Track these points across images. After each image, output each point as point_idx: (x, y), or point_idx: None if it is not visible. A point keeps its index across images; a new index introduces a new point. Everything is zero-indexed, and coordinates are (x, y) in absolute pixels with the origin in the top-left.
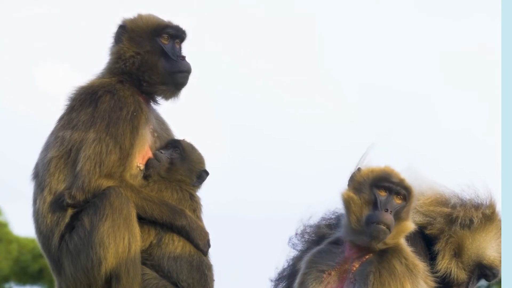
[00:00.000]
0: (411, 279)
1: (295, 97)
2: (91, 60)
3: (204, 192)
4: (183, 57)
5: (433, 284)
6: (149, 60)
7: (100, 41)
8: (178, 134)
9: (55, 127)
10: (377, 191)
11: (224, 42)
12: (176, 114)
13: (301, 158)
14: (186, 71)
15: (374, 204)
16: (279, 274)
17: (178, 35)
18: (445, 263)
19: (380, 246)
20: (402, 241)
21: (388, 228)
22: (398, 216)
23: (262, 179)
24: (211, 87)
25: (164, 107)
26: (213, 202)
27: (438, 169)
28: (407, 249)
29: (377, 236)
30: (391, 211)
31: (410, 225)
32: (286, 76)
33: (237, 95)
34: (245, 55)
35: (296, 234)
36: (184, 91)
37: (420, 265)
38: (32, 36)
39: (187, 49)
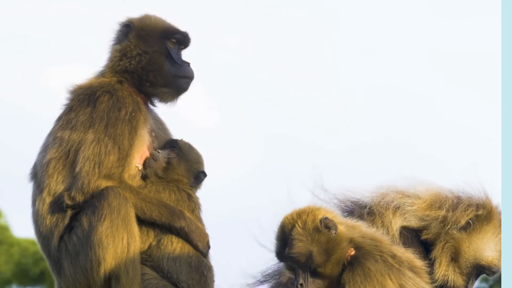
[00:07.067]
0: (393, 273)
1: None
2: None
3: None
4: (188, 63)
5: (425, 269)
6: (156, 60)
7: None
8: (178, 136)
9: (54, 127)
10: None
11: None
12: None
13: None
14: (190, 77)
15: None
16: (263, 273)
17: (184, 41)
18: (442, 270)
19: None
20: (375, 236)
21: None
22: None
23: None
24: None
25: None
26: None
27: (439, 168)
28: (383, 243)
29: None
30: None
31: None
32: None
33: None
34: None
35: None
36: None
37: (403, 256)
38: (44, 35)
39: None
